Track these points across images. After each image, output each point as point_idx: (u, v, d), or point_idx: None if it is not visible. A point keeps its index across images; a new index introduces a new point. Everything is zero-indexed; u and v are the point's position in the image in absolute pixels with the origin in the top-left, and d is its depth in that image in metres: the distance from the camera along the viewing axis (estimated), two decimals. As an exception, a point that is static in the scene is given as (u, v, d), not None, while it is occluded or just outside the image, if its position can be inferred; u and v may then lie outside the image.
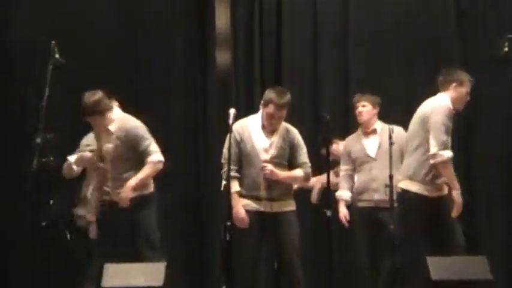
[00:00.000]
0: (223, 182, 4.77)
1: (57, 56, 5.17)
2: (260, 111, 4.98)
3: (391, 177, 5.07)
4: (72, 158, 5.39)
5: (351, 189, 5.69)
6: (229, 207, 4.65)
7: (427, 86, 6.55)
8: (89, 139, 5.41)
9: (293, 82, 6.82)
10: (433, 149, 4.82)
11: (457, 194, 4.82)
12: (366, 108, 5.67)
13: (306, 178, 5.04)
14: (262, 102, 4.95)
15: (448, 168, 4.83)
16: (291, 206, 4.98)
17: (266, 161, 4.87)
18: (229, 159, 4.68)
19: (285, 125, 5.00)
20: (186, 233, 6.73)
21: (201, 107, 6.92)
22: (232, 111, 4.64)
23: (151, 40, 6.90)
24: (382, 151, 5.52)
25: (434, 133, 4.81)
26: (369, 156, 5.60)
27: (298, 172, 4.96)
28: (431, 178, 4.92)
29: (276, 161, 4.90)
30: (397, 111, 6.47)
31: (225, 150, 4.85)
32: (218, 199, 5.67)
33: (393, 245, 5.01)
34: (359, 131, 5.78)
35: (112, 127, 5.04)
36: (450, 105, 4.97)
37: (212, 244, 6.59)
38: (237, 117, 4.81)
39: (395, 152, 5.24)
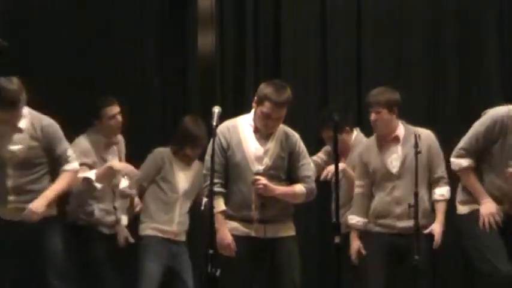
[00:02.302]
0: (204, 199, 4.68)
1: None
2: (253, 111, 4.89)
3: (416, 195, 4.96)
4: (91, 175, 5.36)
5: (366, 213, 5.42)
6: (212, 232, 4.57)
7: (456, 89, 6.36)
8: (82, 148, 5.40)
9: (295, 74, 6.79)
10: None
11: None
12: (380, 116, 5.33)
13: (309, 195, 4.92)
14: (255, 99, 4.86)
15: (464, 179, 5.04)
16: (289, 230, 4.90)
17: (259, 174, 4.80)
18: (212, 170, 4.57)
19: (283, 128, 4.93)
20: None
21: (179, 102, 6.86)
22: (216, 109, 4.59)
23: (120, 22, 6.78)
24: (407, 166, 5.26)
25: (464, 137, 4.94)
26: (390, 173, 5.34)
27: (299, 188, 4.88)
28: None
29: (271, 174, 4.82)
30: (421, 115, 6.30)
31: (207, 158, 4.79)
32: (198, 221, 5.56)
33: (418, 279, 4.93)
34: (377, 137, 5.47)
35: (22, 124, 4.93)
36: (506, 115, 4.88)
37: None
38: (223, 117, 4.76)
39: (421, 164, 5.11)
